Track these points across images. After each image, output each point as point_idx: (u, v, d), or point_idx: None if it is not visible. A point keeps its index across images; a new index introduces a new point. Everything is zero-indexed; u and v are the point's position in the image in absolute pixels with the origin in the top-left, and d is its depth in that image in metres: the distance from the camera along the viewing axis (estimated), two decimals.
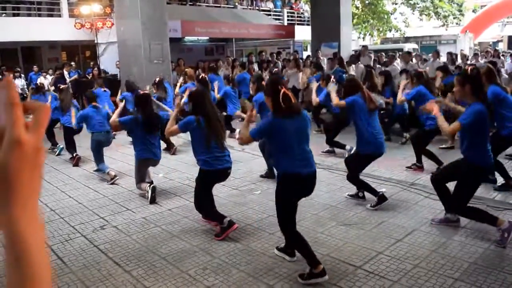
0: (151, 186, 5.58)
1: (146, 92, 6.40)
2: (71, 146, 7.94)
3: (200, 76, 8.61)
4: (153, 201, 5.50)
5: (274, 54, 15.84)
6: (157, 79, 8.67)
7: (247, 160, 7.46)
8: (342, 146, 7.33)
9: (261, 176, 6.44)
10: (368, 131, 4.96)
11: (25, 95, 14.63)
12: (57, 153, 8.61)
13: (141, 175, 5.73)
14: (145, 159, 5.69)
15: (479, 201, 5.09)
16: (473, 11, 31.15)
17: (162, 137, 8.32)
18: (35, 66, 14.63)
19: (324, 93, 7.47)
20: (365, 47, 15.26)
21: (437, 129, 5.12)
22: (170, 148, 8.31)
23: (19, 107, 0.59)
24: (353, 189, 5.47)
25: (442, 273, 3.57)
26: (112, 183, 6.47)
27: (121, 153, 7.25)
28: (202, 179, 4.55)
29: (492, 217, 4.10)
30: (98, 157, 6.78)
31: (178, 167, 7.25)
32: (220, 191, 5.20)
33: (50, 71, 13.98)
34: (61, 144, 8.49)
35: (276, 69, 12.67)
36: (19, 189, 0.58)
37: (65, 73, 13.81)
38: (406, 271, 3.63)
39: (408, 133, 8.03)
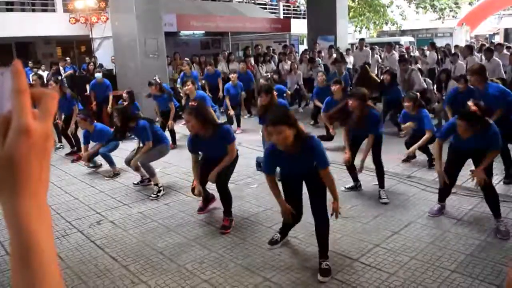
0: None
1: None
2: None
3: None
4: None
5: (271, 48, 15.79)
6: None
7: (244, 154, 7.43)
8: None
9: (258, 169, 6.44)
10: None
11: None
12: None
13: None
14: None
15: (476, 193, 5.11)
16: (470, 3, 31.09)
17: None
18: (30, 62, 14.55)
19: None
20: (362, 40, 15.24)
21: None
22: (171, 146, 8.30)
23: (27, 95, 0.55)
24: (349, 182, 5.49)
25: (439, 265, 3.58)
26: (110, 177, 6.50)
27: (119, 148, 7.22)
28: None
29: None
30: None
31: (175, 161, 7.24)
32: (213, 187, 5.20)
33: (43, 67, 13.88)
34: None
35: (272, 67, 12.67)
36: (27, 179, 0.56)
37: (60, 68, 13.74)
38: (402, 264, 3.63)
39: None
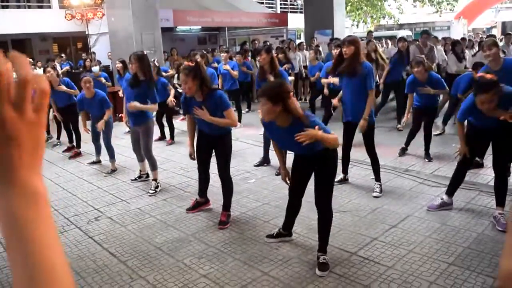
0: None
1: None
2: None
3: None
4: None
5: (267, 42, 15.74)
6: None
7: (241, 149, 7.45)
8: None
9: (255, 165, 6.45)
10: None
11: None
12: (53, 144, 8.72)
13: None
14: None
15: (473, 186, 5.12)
16: None
17: (159, 125, 8.36)
18: (29, 59, 14.46)
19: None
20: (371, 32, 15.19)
21: None
22: (169, 141, 8.31)
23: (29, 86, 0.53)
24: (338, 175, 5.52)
25: (436, 258, 3.60)
26: (108, 174, 6.53)
27: (116, 144, 7.22)
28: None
29: None
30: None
31: (172, 157, 7.24)
32: (215, 180, 5.18)
33: (39, 64, 13.82)
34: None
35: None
36: (22, 148, 0.53)
37: (57, 65, 13.68)
38: (400, 257, 3.64)
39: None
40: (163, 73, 8.05)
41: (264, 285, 3.34)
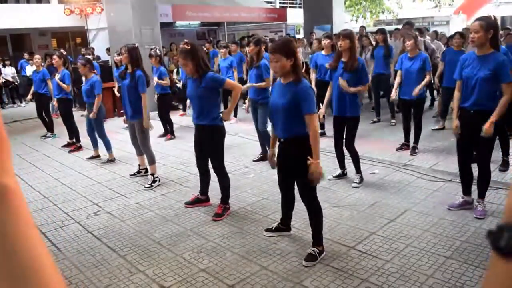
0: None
1: None
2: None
3: None
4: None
5: (267, 37, 15.69)
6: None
7: (240, 144, 7.46)
8: None
9: (254, 160, 6.45)
10: None
11: (15, 83, 14.52)
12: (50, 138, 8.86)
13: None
14: None
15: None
16: None
17: (162, 121, 8.36)
18: (25, 54, 14.44)
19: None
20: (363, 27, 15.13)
21: None
22: (168, 136, 8.33)
23: None
24: (336, 171, 5.55)
25: (434, 251, 3.61)
26: (104, 163, 6.68)
27: (115, 139, 7.24)
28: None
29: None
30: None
31: (172, 152, 7.24)
32: (214, 175, 5.20)
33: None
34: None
35: None
36: None
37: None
38: (398, 251, 3.66)
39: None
40: (161, 81, 8.01)
41: (262, 279, 3.35)
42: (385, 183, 5.28)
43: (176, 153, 7.17)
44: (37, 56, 8.74)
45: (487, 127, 3.95)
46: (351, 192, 5.05)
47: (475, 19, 4.15)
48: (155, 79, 7.95)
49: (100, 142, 6.94)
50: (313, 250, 3.60)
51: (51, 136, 8.90)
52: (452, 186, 4.99)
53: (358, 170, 5.31)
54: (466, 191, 4.46)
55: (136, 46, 5.78)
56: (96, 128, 6.81)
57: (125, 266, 3.66)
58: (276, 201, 4.78)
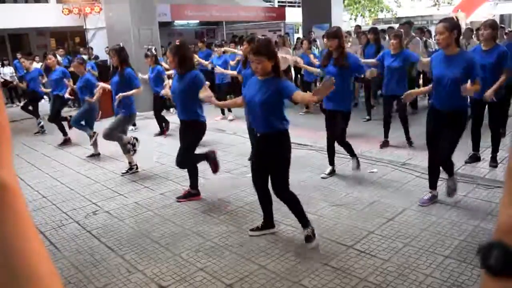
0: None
1: None
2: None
3: None
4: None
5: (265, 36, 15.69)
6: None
7: (239, 144, 7.46)
8: None
9: (249, 159, 6.45)
10: None
11: (14, 82, 14.49)
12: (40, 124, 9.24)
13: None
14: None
15: (470, 179, 5.14)
16: None
17: (157, 120, 8.39)
18: (18, 54, 14.48)
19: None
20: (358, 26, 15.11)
21: None
22: (164, 132, 8.39)
23: None
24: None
25: (433, 251, 3.61)
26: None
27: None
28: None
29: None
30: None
31: (170, 151, 7.23)
32: (212, 174, 5.21)
33: (37, 58, 13.78)
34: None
35: None
36: None
37: (58, 58, 13.64)
38: (397, 250, 3.66)
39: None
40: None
41: (261, 278, 3.35)
42: (384, 182, 5.28)
43: (174, 152, 7.14)
44: (22, 59, 9.41)
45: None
46: (349, 191, 5.05)
47: (438, 21, 4.34)
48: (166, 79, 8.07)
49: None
50: (307, 232, 3.79)
51: (40, 121, 9.26)
52: None
53: (352, 154, 5.50)
54: (433, 185, 4.64)
55: (122, 46, 6.17)
56: (88, 125, 7.13)
57: (123, 266, 3.66)
58: (274, 201, 4.77)
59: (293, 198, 3.81)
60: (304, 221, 3.82)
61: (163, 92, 7.81)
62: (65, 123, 8.06)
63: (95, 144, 7.06)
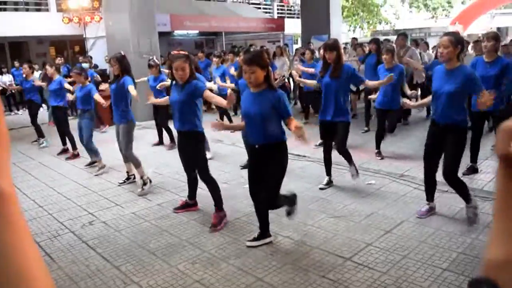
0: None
1: None
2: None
3: None
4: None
5: (264, 47, 15.76)
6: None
7: (236, 154, 7.44)
8: None
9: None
10: None
11: (13, 91, 14.48)
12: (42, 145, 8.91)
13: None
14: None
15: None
16: (462, 3, 31.19)
17: (158, 130, 8.35)
18: (16, 62, 14.53)
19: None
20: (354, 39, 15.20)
21: None
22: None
23: None
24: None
25: (431, 263, 3.59)
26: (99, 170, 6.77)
27: (112, 148, 7.20)
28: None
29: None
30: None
31: (169, 162, 7.21)
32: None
33: (36, 66, 13.78)
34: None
35: None
36: None
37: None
38: (395, 262, 3.64)
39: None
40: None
41: None
42: (382, 193, 5.27)
43: (174, 163, 7.12)
44: (25, 65, 9.03)
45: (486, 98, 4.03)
46: (347, 203, 5.03)
47: (443, 34, 4.28)
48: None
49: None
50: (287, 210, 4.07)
51: (43, 142, 8.98)
52: (448, 197, 4.96)
53: (350, 163, 5.47)
54: (430, 198, 4.62)
55: (123, 54, 6.02)
56: (85, 136, 6.84)
57: (119, 277, 3.63)
58: (272, 212, 4.75)
59: (280, 204, 4.02)
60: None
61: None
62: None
63: (99, 170, 6.87)
